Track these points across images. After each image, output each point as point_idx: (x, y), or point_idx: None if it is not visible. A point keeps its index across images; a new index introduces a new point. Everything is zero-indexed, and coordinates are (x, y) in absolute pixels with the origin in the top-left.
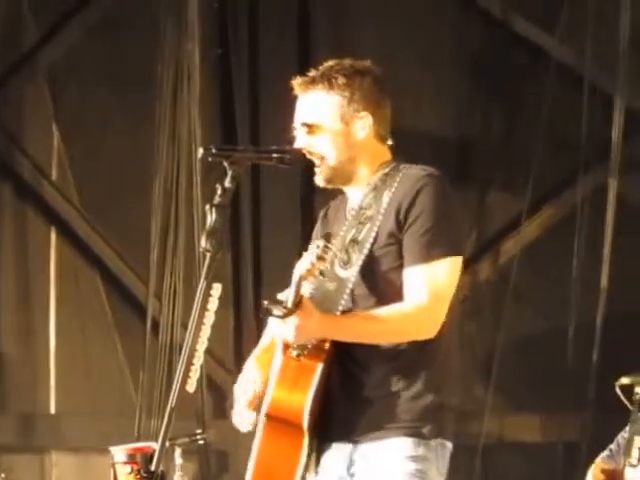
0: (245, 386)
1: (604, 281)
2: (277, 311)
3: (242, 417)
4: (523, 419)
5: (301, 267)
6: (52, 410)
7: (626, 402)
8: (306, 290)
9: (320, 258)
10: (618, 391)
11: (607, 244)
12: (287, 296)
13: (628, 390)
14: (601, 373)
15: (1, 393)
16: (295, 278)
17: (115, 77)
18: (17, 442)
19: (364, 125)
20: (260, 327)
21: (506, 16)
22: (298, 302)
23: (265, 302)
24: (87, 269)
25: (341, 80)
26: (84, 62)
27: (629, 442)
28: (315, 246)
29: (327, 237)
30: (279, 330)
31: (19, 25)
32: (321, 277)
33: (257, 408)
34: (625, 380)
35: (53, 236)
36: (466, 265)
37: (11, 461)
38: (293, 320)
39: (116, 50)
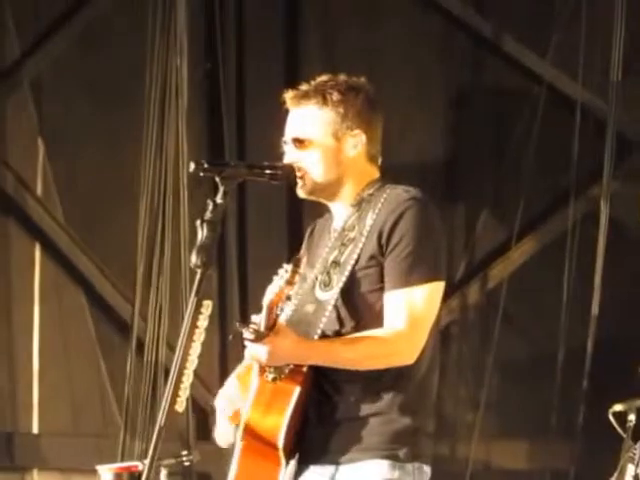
0: (224, 403)
1: (595, 307)
2: (249, 334)
3: (221, 432)
4: (511, 445)
5: (271, 291)
6: (35, 430)
7: (619, 429)
8: (283, 313)
9: (288, 283)
10: (611, 418)
11: (598, 269)
12: (260, 319)
13: (620, 417)
14: (591, 400)
15: None
16: (265, 302)
17: (101, 91)
18: None
19: (356, 143)
20: (242, 344)
21: (497, 37)
22: (272, 325)
23: (237, 324)
24: (71, 286)
25: (335, 96)
26: (69, 75)
27: (621, 470)
28: (284, 270)
29: (296, 262)
30: (253, 352)
31: (2, 37)
32: (289, 302)
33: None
34: (619, 407)
35: (37, 252)
36: (455, 289)
37: None
38: (266, 344)
39: (102, 63)
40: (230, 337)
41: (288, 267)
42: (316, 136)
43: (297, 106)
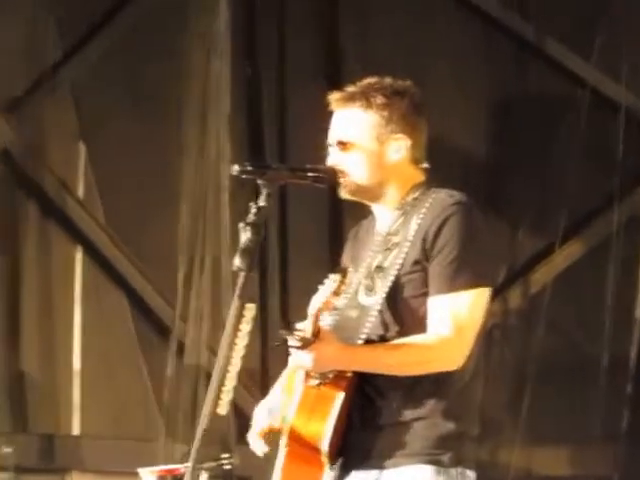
0: (262, 415)
1: (639, 311)
2: (293, 341)
3: (253, 444)
4: (554, 451)
5: (317, 301)
6: (75, 431)
7: None
8: (327, 320)
9: (335, 293)
10: None
11: None
12: (305, 327)
13: None
14: (635, 404)
15: (23, 413)
16: (311, 311)
17: (142, 93)
18: (38, 463)
19: (399, 147)
20: (286, 350)
21: (540, 40)
22: (316, 333)
23: (282, 331)
24: (112, 289)
25: (380, 99)
26: (110, 77)
27: None
28: (331, 280)
29: (343, 272)
30: (298, 360)
31: (43, 39)
32: (335, 312)
33: (269, 439)
34: None
35: (78, 255)
36: (497, 293)
37: None
38: (311, 351)
39: (143, 66)
40: (275, 344)
41: (335, 277)
42: (359, 139)
43: (341, 108)
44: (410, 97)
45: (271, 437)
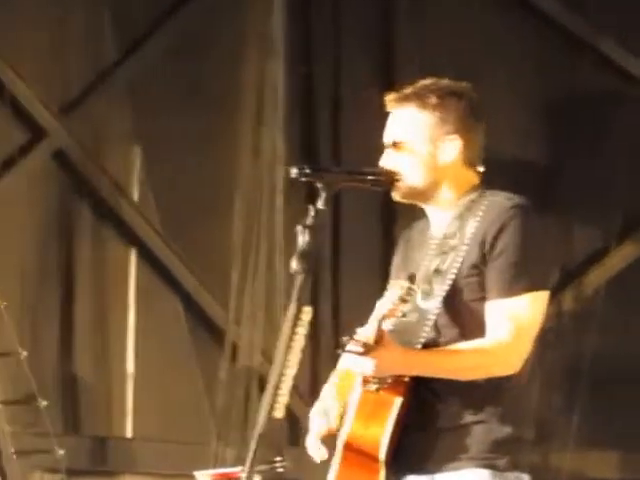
0: (318, 418)
1: None
2: (356, 347)
3: (313, 449)
4: (606, 455)
5: (383, 306)
6: (128, 434)
7: None
8: (388, 323)
9: (403, 300)
10: None
11: None
12: (366, 332)
13: None
14: None
15: (75, 415)
16: (376, 316)
17: (197, 95)
18: (90, 465)
19: (452, 148)
20: (337, 354)
21: (593, 38)
22: (379, 338)
23: (344, 338)
24: (166, 292)
25: (434, 100)
26: (166, 79)
27: None
28: (399, 287)
29: (412, 279)
30: (358, 365)
31: (99, 40)
32: (403, 319)
33: (329, 441)
34: None
35: (133, 258)
36: (550, 296)
37: None
38: (373, 356)
39: (198, 67)
40: (338, 351)
41: (404, 284)
42: (412, 139)
43: (396, 108)
44: (466, 98)
45: (329, 441)
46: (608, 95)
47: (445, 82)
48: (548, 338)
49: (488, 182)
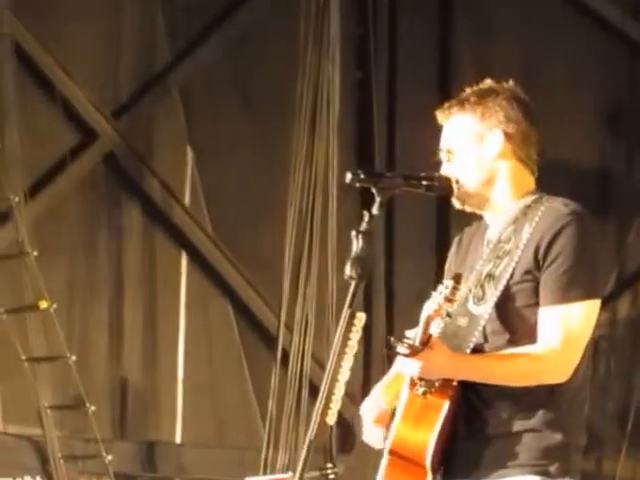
0: (370, 405)
1: None
2: (403, 349)
3: (370, 435)
4: None
5: (429, 307)
6: (177, 439)
7: None
8: (436, 326)
9: (448, 300)
10: None
11: None
12: (415, 334)
13: None
14: None
15: (124, 420)
16: (423, 317)
17: (251, 99)
18: (139, 471)
19: (495, 141)
20: (391, 360)
21: None
22: (426, 341)
23: (391, 339)
24: (217, 296)
25: (473, 99)
26: (219, 83)
27: None
28: (444, 287)
29: (457, 278)
30: (406, 367)
31: (154, 44)
32: (447, 319)
33: (386, 422)
34: None
35: (184, 262)
36: (605, 302)
37: None
38: (420, 359)
39: (252, 71)
40: (385, 351)
41: (448, 283)
42: (458, 143)
43: (445, 120)
44: (507, 93)
45: (387, 420)
46: None
47: (487, 82)
48: (602, 346)
49: (546, 187)
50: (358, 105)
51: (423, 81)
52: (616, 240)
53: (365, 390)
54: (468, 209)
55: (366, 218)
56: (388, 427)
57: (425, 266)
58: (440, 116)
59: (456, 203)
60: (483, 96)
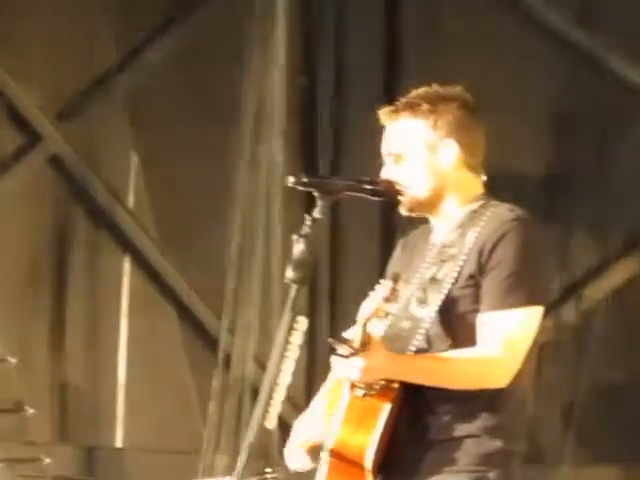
0: (303, 428)
1: None
2: (342, 350)
3: (291, 457)
4: (602, 470)
5: (366, 307)
6: (118, 444)
7: None
8: (378, 329)
9: (386, 300)
10: None
11: None
12: (353, 335)
13: None
14: None
15: (65, 424)
16: (360, 318)
17: (196, 104)
18: (80, 474)
19: (449, 152)
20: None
21: (602, 53)
22: (365, 341)
23: (330, 340)
24: (160, 300)
25: (425, 106)
26: (164, 86)
27: None
28: (382, 287)
29: (395, 278)
30: (343, 369)
31: (98, 47)
32: (388, 320)
33: (312, 452)
34: None
35: (127, 265)
36: (549, 309)
37: None
38: (359, 360)
39: (197, 75)
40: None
41: (386, 283)
42: (409, 149)
43: (390, 121)
44: (458, 101)
45: (314, 451)
46: (614, 110)
47: (435, 88)
48: (546, 352)
49: (491, 193)
50: (303, 110)
51: (369, 88)
52: (561, 246)
53: (308, 394)
54: (414, 215)
55: (308, 222)
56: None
57: (370, 270)
58: (385, 117)
59: (402, 210)
60: (435, 103)
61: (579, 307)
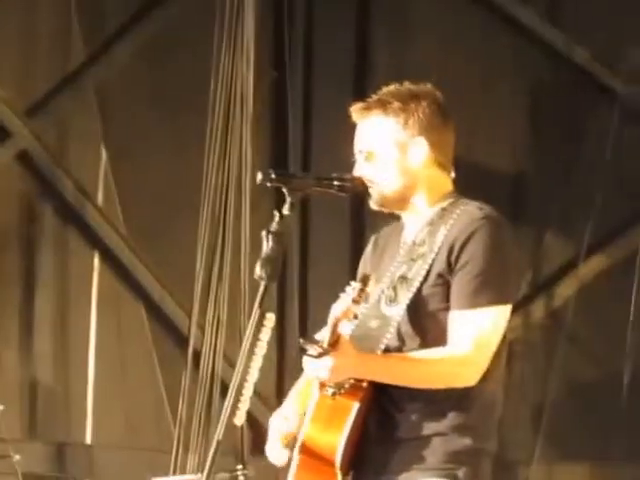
0: (279, 422)
1: None
2: (312, 350)
3: (273, 453)
4: (572, 468)
5: (337, 309)
6: (87, 440)
7: None
8: (347, 328)
9: (355, 302)
10: None
11: None
12: (323, 336)
13: None
14: None
15: (34, 420)
16: (330, 319)
17: (166, 99)
18: (49, 471)
19: (419, 151)
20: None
21: (570, 50)
22: (335, 342)
23: (301, 340)
24: (129, 297)
25: (396, 104)
26: (134, 82)
27: None
28: (351, 288)
29: (364, 280)
30: (312, 369)
31: (68, 41)
32: (357, 320)
33: (290, 445)
34: None
35: (96, 261)
36: (519, 306)
37: None
38: (328, 360)
39: (168, 71)
40: (296, 354)
41: (356, 285)
42: (379, 147)
43: (361, 118)
44: (428, 99)
45: (292, 444)
46: (584, 108)
47: (406, 86)
48: (516, 349)
49: (461, 190)
50: (274, 105)
51: (340, 83)
52: (531, 243)
53: (279, 392)
54: (385, 210)
55: (277, 218)
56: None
57: (340, 267)
58: (356, 114)
59: (373, 205)
60: (406, 101)
61: (549, 305)
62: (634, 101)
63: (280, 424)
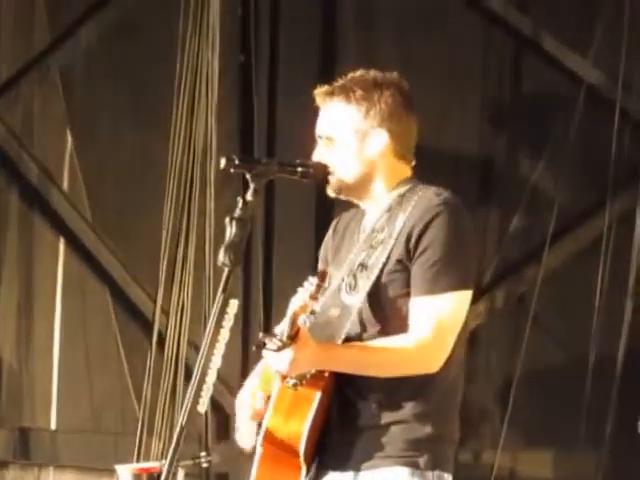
0: (245, 400)
1: (628, 313)
2: (271, 344)
3: (242, 432)
4: (537, 454)
5: (295, 303)
6: (52, 426)
7: None
8: (303, 322)
9: (312, 297)
10: None
11: (632, 275)
12: (283, 329)
13: None
14: (620, 409)
15: None
16: (289, 313)
17: (132, 82)
18: (13, 457)
19: (379, 141)
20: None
21: (538, 36)
22: (294, 334)
23: (260, 334)
24: (94, 282)
25: (359, 93)
26: (100, 66)
27: None
28: (309, 284)
29: (322, 276)
30: (273, 362)
31: (32, 24)
32: (312, 316)
33: (257, 425)
34: None
35: (61, 247)
36: (483, 292)
37: (6, 477)
38: (287, 353)
39: (132, 55)
40: (253, 348)
41: (313, 280)
42: (340, 133)
43: (324, 103)
44: (393, 89)
45: (257, 429)
46: (550, 94)
47: (372, 74)
48: (480, 336)
49: (427, 177)
50: (241, 90)
51: (306, 67)
52: (497, 229)
53: (243, 378)
54: (343, 198)
55: (240, 204)
56: (262, 413)
57: (305, 254)
58: (319, 98)
59: (330, 192)
60: (369, 90)
61: (515, 290)
62: (600, 87)
63: (245, 403)
